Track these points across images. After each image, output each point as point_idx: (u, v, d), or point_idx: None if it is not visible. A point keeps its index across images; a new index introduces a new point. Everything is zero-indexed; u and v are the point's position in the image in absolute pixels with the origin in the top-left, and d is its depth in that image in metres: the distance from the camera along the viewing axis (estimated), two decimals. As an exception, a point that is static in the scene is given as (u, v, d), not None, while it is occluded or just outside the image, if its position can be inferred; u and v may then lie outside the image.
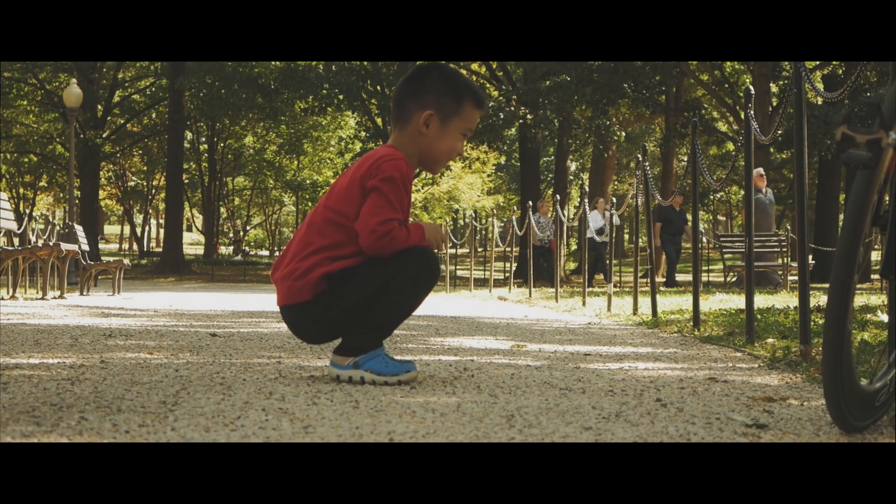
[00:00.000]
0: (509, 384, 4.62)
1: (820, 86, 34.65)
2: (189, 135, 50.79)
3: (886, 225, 2.64)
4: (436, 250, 4.63)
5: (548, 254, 27.54)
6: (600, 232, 26.69)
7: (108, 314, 10.48)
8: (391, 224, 4.41)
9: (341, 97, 36.59)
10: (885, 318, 7.20)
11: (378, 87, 36.73)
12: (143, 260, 50.86)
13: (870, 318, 8.76)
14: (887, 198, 2.75)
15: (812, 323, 6.41)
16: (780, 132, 27.46)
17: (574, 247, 54.07)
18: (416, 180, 48.34)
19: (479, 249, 32.36)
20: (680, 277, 30.78)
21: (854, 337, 6.63)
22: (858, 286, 17.56)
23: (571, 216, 33.28)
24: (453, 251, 30.23)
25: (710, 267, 36.42)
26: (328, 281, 4.48)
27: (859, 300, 13.09)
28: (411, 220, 5.15)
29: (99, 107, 42.81)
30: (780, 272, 23.46)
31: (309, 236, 4.55)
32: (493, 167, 60.69)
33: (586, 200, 16.11)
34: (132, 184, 63.06)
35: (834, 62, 33.08)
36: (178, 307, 12.78)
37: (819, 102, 27.87)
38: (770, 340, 7.15)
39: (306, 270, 4.49)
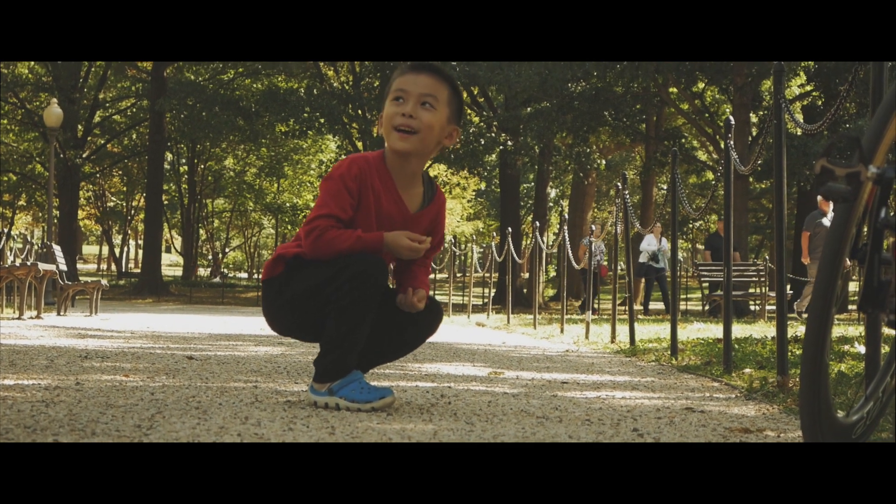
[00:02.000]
0: (486, 412, 4.61)
1: (800, 117, 34.82)
2: (169, 156, 50.70)
3: (865, 258, 2.65)
4: (406, 258, 4.55)
5: (596, 279, 27.10)
6: (654, 257, 26.44)
7: (84, 335, 10.44)
8: (317, 222, 4.40)
9: (322, 120, 36.61)
10: (862, 349, 7.22)
11: (359, 111, 36.76)
12: (122, 281, 50.66)
13: (847, 349, 8.77)
14: (866, 230, 2.75)
15: (790, 353, 6.42)
16: (759, 162, 27.49)
17: (553, 273, 54.08)
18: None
19: (458, 275, 32.37)
20: (660, 306, 30.80)
21: (831, 368, 6.64)
22: (837, 317, 17.59)
23: (550, 243, 33.33)
24: (431, 276, 30.19)
25: (689, 295, 36.47)
26: (283, 264, 4.52)
27: (837, 331, 13.11)
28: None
29: (79, 127, 42.73)
30: (756, 301, 23.51)
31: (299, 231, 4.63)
32: (473, 193, 60.74)
33: (565, 227, 16.11)
34: (111, 204, 62.92)
35: (813, 92, 33.24)
36: (155, 329, 12.74)
37: (799, 133, 27.95)
38: (747, 370, 7.15)
39: (278, 250, 4.58)
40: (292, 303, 4.52)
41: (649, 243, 26.65)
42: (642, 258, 26.59)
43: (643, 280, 28.07)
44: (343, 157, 34.28)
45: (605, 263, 28.46)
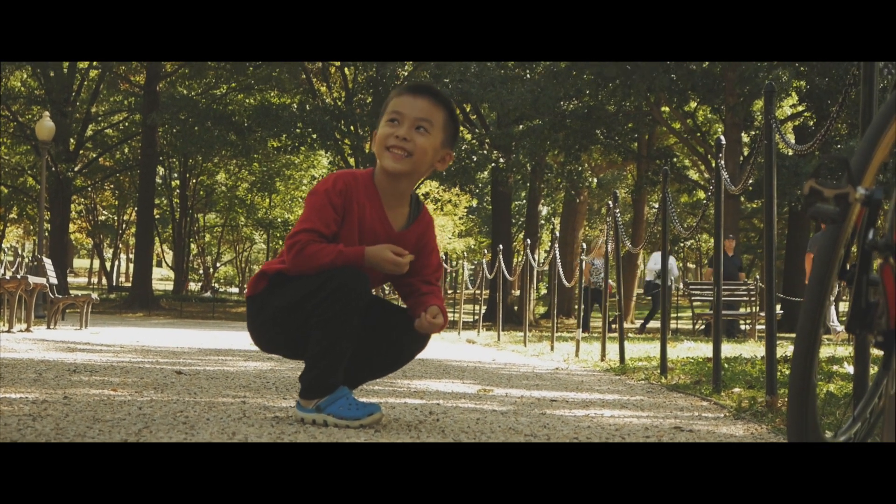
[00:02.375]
0: (474, 429, 4.60)
1: (791, 137, 34.89)
2: (161, 170, 50.65)
3: (853, 279, 2.65)
4: (390, 272, 4.55)
5: (598, 295, 26.71)
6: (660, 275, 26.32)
7: (73, 349, 10.42)
8: (299, 237, 4.41)
9: (314, 136, 36.61)
10: (851, 370, 7.22)
11: (352, 127, 36.77)
12: (112, 294, 50.58)
13: (836, 369, 8.78)
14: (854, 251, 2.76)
15: (779, 373, 6.42)
16: (750, 182, 27.57)
17: (543, 291, 54.07)
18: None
19: (450, 291, 32.37)
20: (650, 325, 30.79)
21: (820, 389, 6.65)
22: (826, 338, 17.58)
23: (541, 261, 33.40)
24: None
25: (679, 314, 36.50)
26: (266, 280, 4.52)
27: (826, 351, 13.12)
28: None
29: (71, 140, 42.67)
30: (747, 321, 23.52)
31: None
32: (465, 210, 60.76)
33: (556, 245, 16.12)
34: (103, 218, 62.87)
35: (805, 113, 33.30)
36: (144, 343, 12.72)
37: (790, 153, 28.01)
38: (736, 390, 7.16)
39: (263, 266, 4.59)
40: (275, 318, 4.52)
41: (656, 262, 26.65)
42: (649, 276, 26.53)
43: (650, 298, 28.02)
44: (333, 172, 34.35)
45: (612, 282, 28.43)
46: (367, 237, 4.52)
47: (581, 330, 13.11)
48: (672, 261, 26.83)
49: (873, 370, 4.35)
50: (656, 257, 26.74)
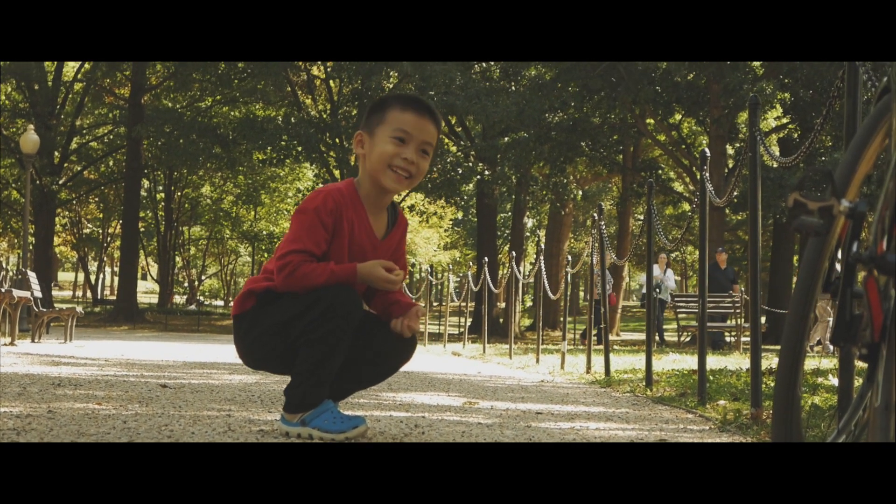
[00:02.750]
0: (459, 442, 4.59)
1: (776, 149, 34.96)
2: (146, 183, 50.56)
3: (837, 292, 2.65)
4: (383, 288, 4.56)
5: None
6: (657, 287, 26.22)
7: (58, 363, 10.39)
8: (289, 257, 4.38)
9: (300, 149, 36.61)
10: (836, 382, 7.24)
11: (336, 140, 36.76)
12: (97, 308, 50.44)
13: (821, 381, 8.79)
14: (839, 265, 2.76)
15: (763, 385, 6.42)
16: (735, 194, 27.66)
17: (529, 303, 54.09)
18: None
19: (435, 304, 32.35)
20: (636, 336, 30.79)
21: (805, 401, 6.65)
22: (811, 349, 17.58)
23: (527, 273, 33.38)
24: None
25: (665, 326, 36.53)
26: (254, 298, 4.49)
27: (811, 363, 13.14)
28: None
29: (56, 153, 42.59)
30: (732, 333, 23.55)
31: (268, 261, 4.61)
32: (450, 222, 60.81)
33: (542, 257, 16.13)
34: (87, 231, 62.73)
35: (789, 125, 33.36)
36: (129, 356, 12.69)
37: (775, 165, 28.07)
38: (722, 402, 7.16)
39: (247, 284, 4.56)
40: (264, 336, 4.49)
41: (656, 274, 26.67)
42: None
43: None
44: (320, 185, 34.05)
45: (613, 292, 28.42)
46: (354, 250, 4.52)
47: (597, 342, 13.11)
48: (670, 273, 26.82)
49: (858, 382, 4.36)
50: (655, 270, 26.79)
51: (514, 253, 19.10)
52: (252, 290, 4.54)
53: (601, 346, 12.17)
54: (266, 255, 56.29)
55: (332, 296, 4.34)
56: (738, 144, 31.80)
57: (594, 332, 13.87)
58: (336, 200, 4.47)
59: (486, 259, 21.99)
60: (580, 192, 41.86)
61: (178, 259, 61.76)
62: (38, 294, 18.97)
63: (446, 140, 38.28)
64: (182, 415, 5.29)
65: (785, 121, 34.21)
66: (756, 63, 29.45)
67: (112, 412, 5.29)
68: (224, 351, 15.84)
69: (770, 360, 11.45)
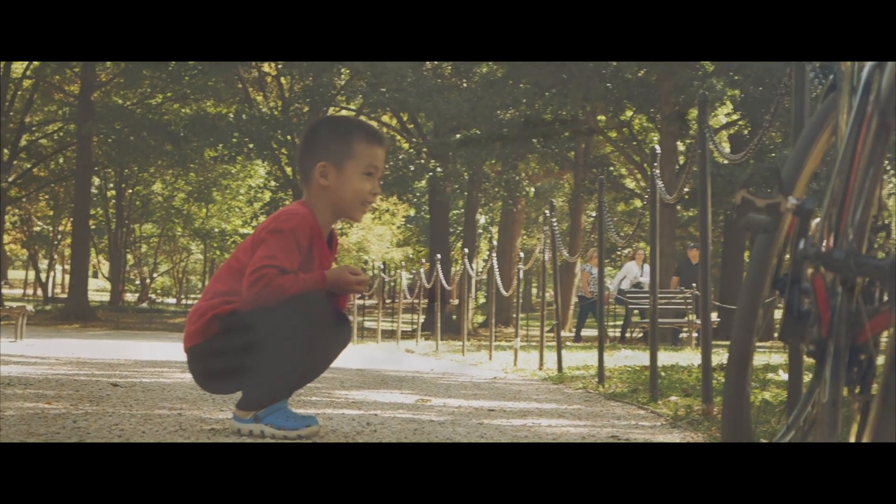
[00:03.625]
0: (411, 440, 4.60)
1: (727, 145, 35.13)
2: (97, 180, 50.24)
3: (785, 288, 2.67)
4: (352, 293, 4.61)
5: (593, 305, 26.24)
6: (637, 285, 26.02)
7: (7, 361, 10.31)
8: (264, 271, 4.37)
9: (251, 146, 36.49)
10: (786, 377, 7.29)
11: (288, 137, 36.65)
12: (48, 306, 50.10)
13: (771, 377, 8.85)
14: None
15: (715, 381, 6.46)
16: (686, 190, 27.76)
17: (482, 300, 54.13)
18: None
19: (388, 301, 32.33)
20: (588, 333, 30.83)
21: (755, 396, 6.69)
22: (761, 344, 17.66)
23: (480, 270, 33.36)
24: (361, 302, 30.14)
25: (617, 323, 36.64)
26: (219, 323, 4.46)
27: (762, 359, 13.22)
28: None
29: (5, 151, 42.28)
30: (685, 329, 23.64)
31: (212, 283, 4.57)
32: (403, 219, 60.75)
33: (494, 254, 16.14)
34: (37, 229, 62.28)
35: (740, 121, 33.53)
36: (80, 355, 12.61)
37: (725, 162, 28.20)
38: (673, 398, 7.20)
39: (202, 313, 4.49)
40: (236, 363, 4.45)
41: (628, 272, 26.70)
42: (625, 284, 26.41)
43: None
44: (273, 183, 33.84)
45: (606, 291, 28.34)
46: (314, 268, 4.56)
47: (574, 340, 13.14)
48: (647, 268, 26.83)
49: (808, 378, 4.39)
50: (628, 267, 26.83)
51: (466, 250, 19.11)
52: (217, 315, 4.48)
53: (554, 343, 12.20)
54: (218, 252, 56.07)
55: (300, 302, 4.35)
56: (688, 141, 31.94)
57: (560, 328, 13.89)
58: (311, 226, 4.52)
59: (439, 256, 21.97)
60: (532, 189, 41.90)
61: (129, 257, 61.44)
62: (-12, 293, 18.82)
63: (398, 137, 38.26)
64: (133, 414, 5.27)
65: (735, 117, 34.38)
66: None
67: (62, 411, 5.26)
68: (176, 349, 15.76)
69: (721, 356, 11.51)
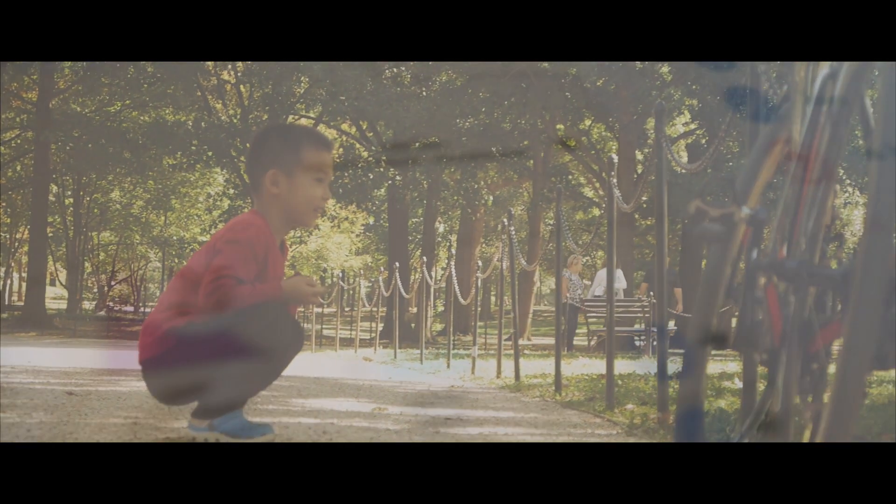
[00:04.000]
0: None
1: (684, 154, 35.25)
2: (54, 188, 49.97)
3: (739, 297, 2.69)
4: (309, 304, 4.62)
5: (578, 312, 26.11)
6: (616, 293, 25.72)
7: (-38, 370, 10.24)
8: (221, 281, 4.36)
9: (210, 153, 36.40)
10: (741, 384, 7.32)
11: (247, 145, 36.50)
12: (4, 314, 49.76)
13: (727, 385, 8.88)
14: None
15: (671, 390, 6.48)
16: (644, 199, 27.88)
17: (440, 308, 54.13)
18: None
19: (346, 309, 32.30)
20: (546, 341, 30.89)
21: (710, 404, 6.72)
22: (717, 353, 17.77)
23: (438, 278, 33.39)
24: (319, 310, 30.10)
25: (577, 331, 36.73)
26: (175, 336, 4.44)
27: (717, 367, 13.27)
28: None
29: (-39, 158, 42.06)
30: (641, 337, 23.70)
31: (165, 295, 4.55)
32: (362, 227, 60.68)
33: (453, 262, 16.15)
34: (-6, 236, 61.95)
35: (697, 131, 33.68)
36: (36, 363, 12.53)
37: (681, 171, 28.31)
38: (629, 407, 7.21)
39: (156, 326, 4.48)
40: (195, 368, 4.44)
41: (602, 279, 26.62)
42: (598, 291, 26.29)
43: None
44: (232, 191, 33.61)
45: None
46: (269, 277, 4.55)
47: (566, 349, 13.17)
48: (620, 273, 26.80)
49: (761, 386, 4.41)
50: (602, 275, 26.81)
51: (425, 258, 19.14)
52: (173, 327, 4.47)
53: (511, 351, 12.21)
54: (177, 260, 55.81)
55: (256, 313, 4.35)
56: (646, 150, 32.07)
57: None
58: (265, 235, 4.53)
59: (398, 264, 21.96)
60: (491, 198, 41.94)
61: (87, 265, 61.15)
62: (-57, 300, 18.69)
63: (357, 145, 38.23)
64: (87, 423, 5.24)
65: (693, 126, 34.53)
66: (664, 69, 29.73)
67: (16, 420, 5.22)
68: (134, 357, 15.67)
69: (677, 365, 11.54)
